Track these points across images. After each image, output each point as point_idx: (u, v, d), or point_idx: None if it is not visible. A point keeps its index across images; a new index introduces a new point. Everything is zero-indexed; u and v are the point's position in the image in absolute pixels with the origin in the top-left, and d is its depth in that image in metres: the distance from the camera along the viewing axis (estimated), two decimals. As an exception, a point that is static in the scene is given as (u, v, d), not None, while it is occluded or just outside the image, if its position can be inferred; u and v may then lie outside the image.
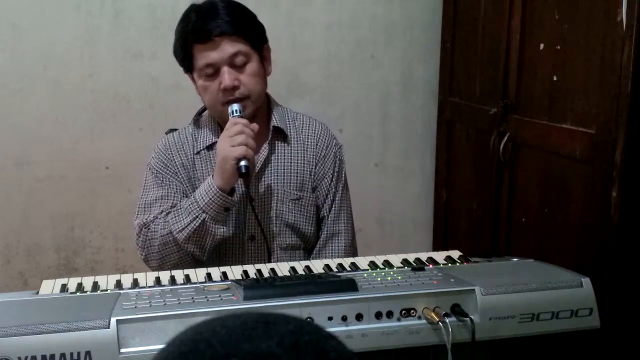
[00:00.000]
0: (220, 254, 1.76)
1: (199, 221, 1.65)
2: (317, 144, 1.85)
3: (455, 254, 1.64)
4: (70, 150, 2.78)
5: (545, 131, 2.10)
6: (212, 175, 1.67)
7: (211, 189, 1.65)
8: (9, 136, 2.73)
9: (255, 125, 1.69)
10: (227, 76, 1.68)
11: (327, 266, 1.57)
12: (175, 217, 1.69)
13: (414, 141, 3.06)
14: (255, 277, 1.51)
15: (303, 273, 1.53)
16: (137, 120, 2.80)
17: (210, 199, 1.65)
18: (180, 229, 1.67)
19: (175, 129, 1.96)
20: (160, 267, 1.71)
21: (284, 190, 1.80)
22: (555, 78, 2.06)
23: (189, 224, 1.66)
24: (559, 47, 2.04)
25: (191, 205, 1.67)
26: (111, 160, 2.81)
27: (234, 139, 1.63)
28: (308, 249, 1.85)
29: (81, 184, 2.80)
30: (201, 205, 1.65)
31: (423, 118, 3.04)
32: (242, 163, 1.62)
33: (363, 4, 2.91)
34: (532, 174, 2.20)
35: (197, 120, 1.88)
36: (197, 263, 1.71)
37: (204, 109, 2.12)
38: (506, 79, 2.33)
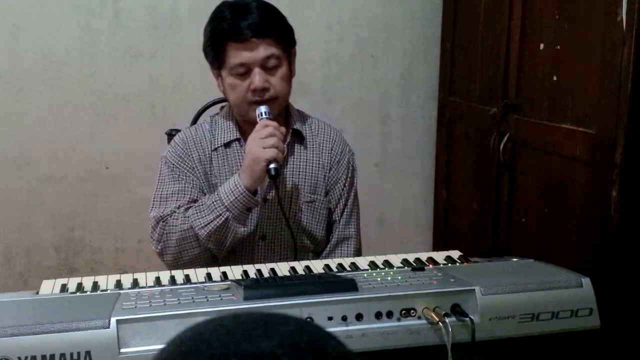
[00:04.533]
0: (230, 253, 1.76)
1: (222, 219, 1.65)
2: (332, 149, 1.86)
3: (455, 254, 1.64)
4: (70, 150, 2.78)
5: (545, 131, 2.11)
6: (239, 175, 1.67)
7: (237, 188, 1.65)
8: (9, 136, 2.73)
9: (283, 129, 1.71)
10: (258, 77, 1.68)
11: (327, 266, 1.57)
12: (197, 213, 1.69)
13: (414, 141, 3.06)
14: (255, 277, 1.51)
15: (303, 273, 1.53)
16: (137, 120, 2.80)
17: (236, 197, 1.65)
18: (202, 225, 1.67)
19: (176, 129, 1.96)
20: (176, 262, 1.71)
21: (298, 193, 1.80)
22: (555, 78, 2.06)
23: (212, 221, 1.66)
24: (559, 47, 2.04)
25: (215, 203, 1.66)
26: (111, 160, 2.81)
27: (266, 141, 1.63)
28: (317, 252, 1.86)
29: (81, 184, 2.80)
30: (226, 204, 1.65)
31: (423, 118, 3.04)
32: (272, 165, 1.62)
33: (363, 4, 2.91)
34: (532, 174, 2.21)
35: (214, 117, 1.88)
36: (213, 260, 1.72)
37: (203, 110, 2.13)
38: (506, 79, 2.33)
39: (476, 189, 2.63)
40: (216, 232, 1.67)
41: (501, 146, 2.33)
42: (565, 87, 2.02)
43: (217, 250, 1.71)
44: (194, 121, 2.11)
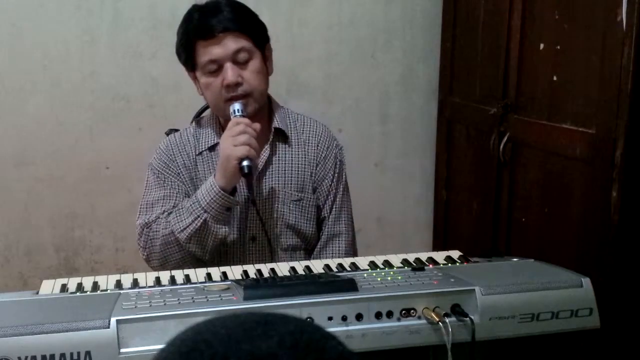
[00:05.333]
0: (221, 255, 1.76)
1: (201, 221, 1.65)
2: (317, 145, 1.85)
3: (455, 254, 1.63)
4: (70, 150, 2.78)
5: (545, 131, 2.10)
6: (214, 175, 1.67)
7: (213, 188, 1.65)
8: (9, 136, 2.73)
9: (257, 125, 1.69)
10: (230, 72, 1.68)
11: (327, 266, 1.57)
12: (176, 217, 1.69)
13: (414, 141, 3.06)
14: (255, 277, 1.51)
15: (303, 273, 1.53)
16: (137, 120, 2.80)
17: (212, 198, 1.64)
18: (182, 228, 1.67)
19: (176, 129, 1.96)
20: (162, 267, 1.71)
21: (285, 192, 1.80)
22: (555, 78, 2.06)
23: (191, 223, 1.66)
24: (559, 47, 2.04)
25: (193, 205, 1.67)
26: (111, 160, 2.81)
27: (237, 138, 1.63)
28: (308, 250, 1.85)
29: (81, 184, 2.80)
30: (203, 205, 1.65)
31: (423, 118, 3.04)
32: (245, 163, 1.61)
33: (363, 4, 2.91)
34: (532, 174, 2.20)
35: (198, 121, 1.88)
36: (198, 263, 1.71)
37: (203, 110, 2.13)
38: (506, 79, 2.33)
39: (476, 189, 2.63)
40: (196, 234, 1.66)
41: (501, 146, 2.32)
42: (565, 87, 2.01)
43: (201, 253, 1.70)
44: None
